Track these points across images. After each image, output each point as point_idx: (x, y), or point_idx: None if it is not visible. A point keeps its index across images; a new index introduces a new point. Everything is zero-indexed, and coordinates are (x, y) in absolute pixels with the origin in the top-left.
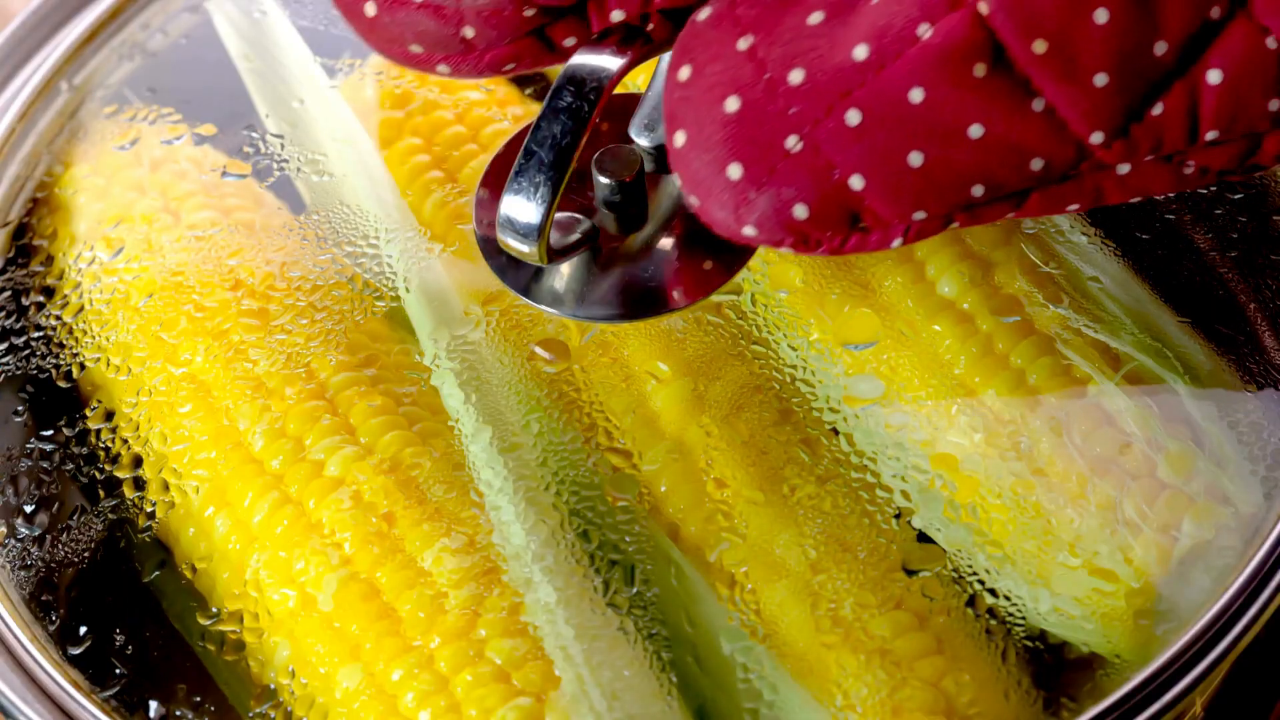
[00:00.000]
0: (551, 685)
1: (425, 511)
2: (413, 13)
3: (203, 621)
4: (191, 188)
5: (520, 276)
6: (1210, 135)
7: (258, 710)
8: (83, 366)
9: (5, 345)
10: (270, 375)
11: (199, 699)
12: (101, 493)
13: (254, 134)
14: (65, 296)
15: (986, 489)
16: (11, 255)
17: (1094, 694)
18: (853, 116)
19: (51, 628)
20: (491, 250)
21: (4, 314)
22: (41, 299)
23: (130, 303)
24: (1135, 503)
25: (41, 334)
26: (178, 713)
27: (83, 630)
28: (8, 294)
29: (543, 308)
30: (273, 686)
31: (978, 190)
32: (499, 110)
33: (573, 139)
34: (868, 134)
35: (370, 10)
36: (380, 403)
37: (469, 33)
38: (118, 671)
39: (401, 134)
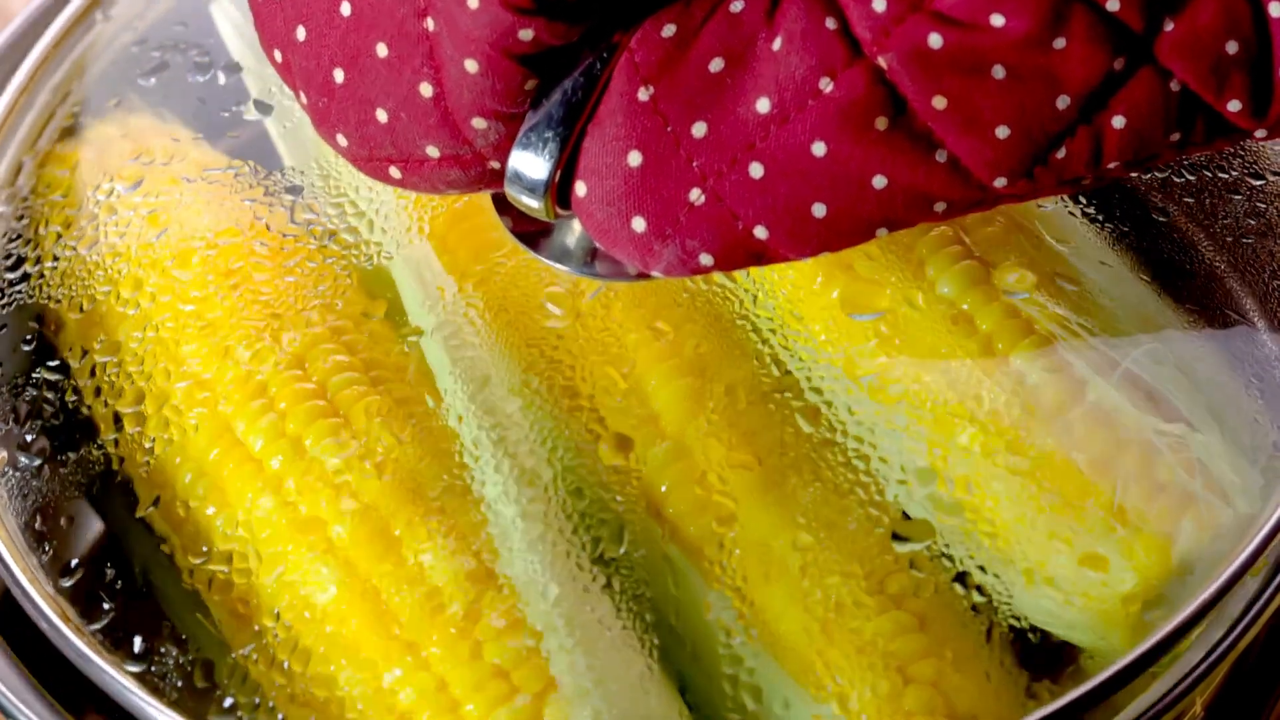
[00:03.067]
0: (550, 685)
1: (424, 511)
2: (435, 168)
3: (193, 560)
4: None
5: (529, 232)
6: (1111, 165)
7: (242, 652)
8: (94, 300)
9: (20, 274)
10: (271, 376)
11: (185, 636)
12: (103, 427)
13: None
14: (81, 228)
15: (985, 489)
16: (35, 185)
17: (1092, 693)
18: (756, 169)
19: (45, 559)
20: (501, 205)
21: (22, 241)
22: (59, 229)
23: (144, 237)
24: (1134, 502)
25: (55, 265)
26: (163, 649)
27: (74, 562)
28: (26, 222)
29: (551, 263)
30: (257, 628)
31: (881, 232)
32: None
33: (583, 95)
34: (771, 187)
35: (395, 174)
36: (380, 402)
37: (495, 165)
38: (106, 606)
39: None
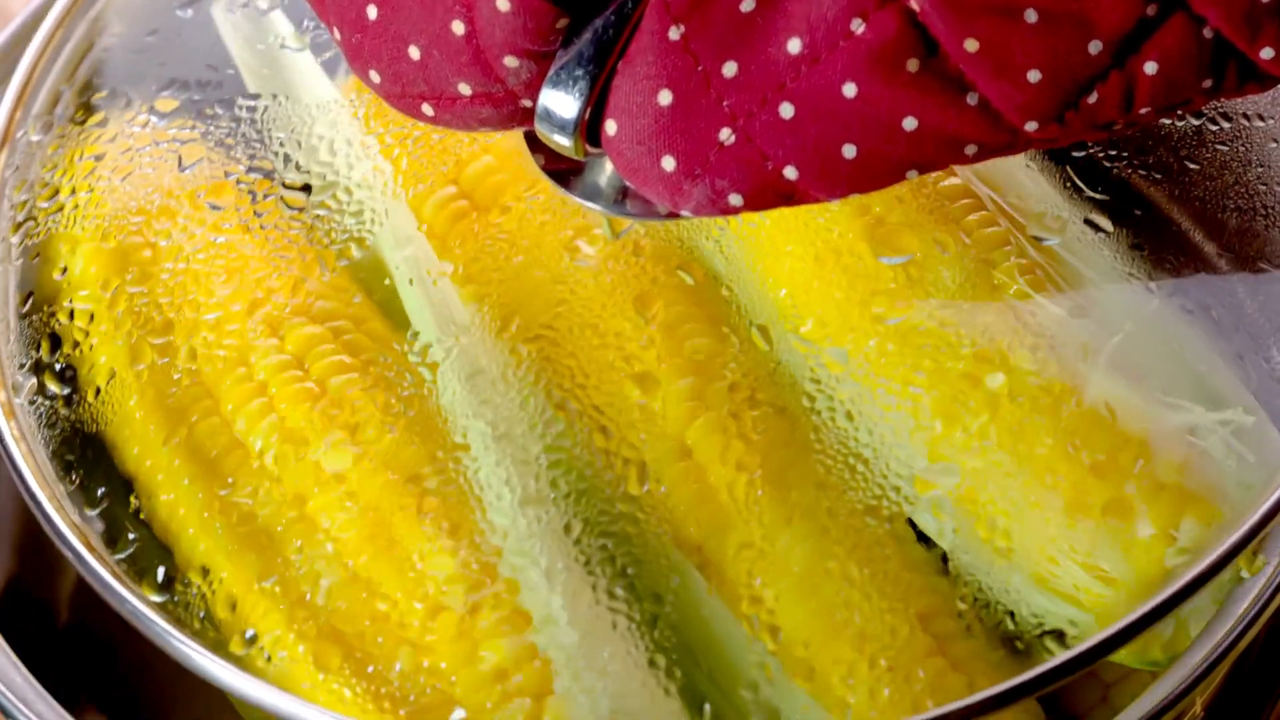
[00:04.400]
0: (549, 687)
1: (424, 510)
2: (467, 106)
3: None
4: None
5: (560, 170)
6: (1143, 111)
7: (264, 584)
8: (125, 232)
9: (54, 203)
10: (271, 375)
11: (207, 568)
12: (131, 358)
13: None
14: (116, 160)
15: (985, 489)
16: (74, 113)
17: (1093, 692)
18: (786, 110)
19: (71, 488)
20: (533, 143)
21: (58, 172)
22: (93, 160)
23: (174, 169)
24: (1134, 502)
25: (89, 195)
26: (186, 580)
27: (100, 491)
28: (62, 151)
29: (582, 202)
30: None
31: (912, 174)
32: None
33: (614, 34)
34: (801, 127)
35: (428, 111)
36: (380, 401)
37: (527, 103)
38: (131, 536)
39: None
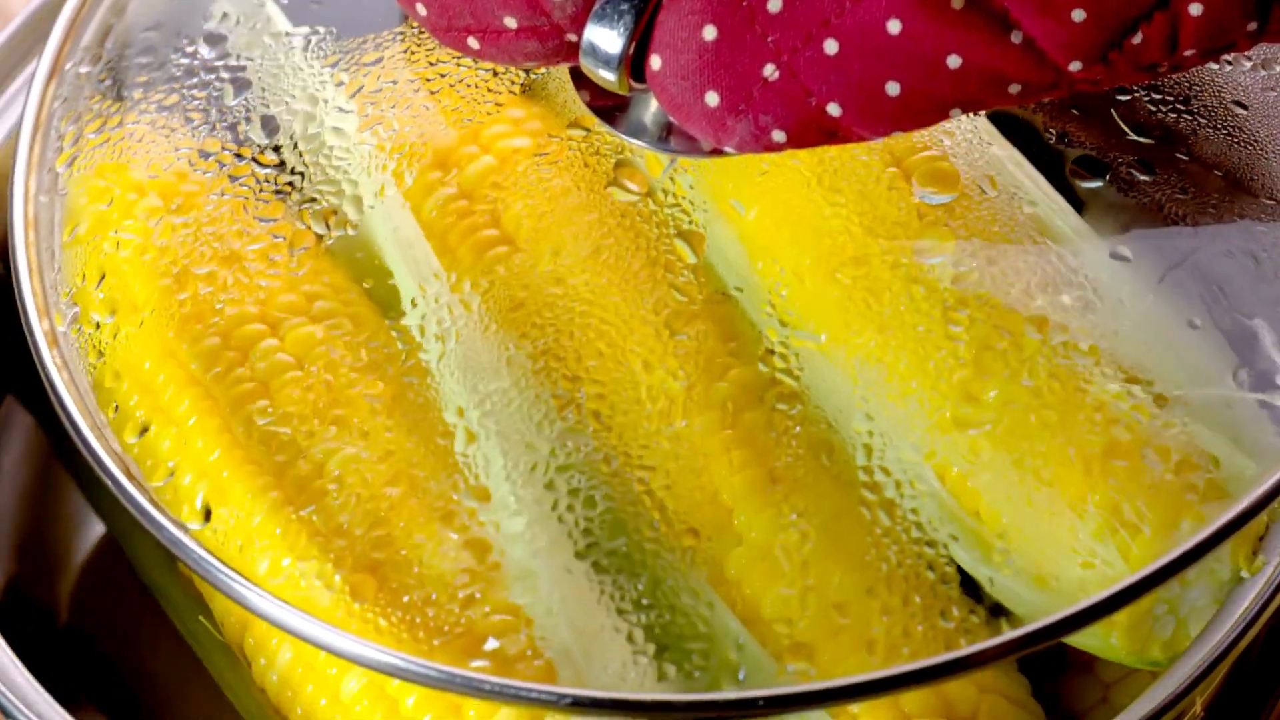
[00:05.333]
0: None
1: (424, 510)
2: (512, 40)
3: None
4: None
5: (605, 106)
6: (1188, 53)
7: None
8: (172, 163)
9: (100, 134)
10: (270, 376)
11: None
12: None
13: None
14: (162, 92)
15: (986, 490)
16: (121, 45)
17: (1093, 692)
18: (830, 46)
19: (113, 416)
20: (578, 79)
21: (105, 103)
22: (140, 91)
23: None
24: (1134, 503)
25: (135, 127)
26: (222, 510)
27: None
28: (110, 84)
29: (626, 138)
30: None
31: (955, 113)
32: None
33: None
34: (845, 63)
35: (474, 44)
36: (379, 400)
37: (572, 37)
38: (169, 465)
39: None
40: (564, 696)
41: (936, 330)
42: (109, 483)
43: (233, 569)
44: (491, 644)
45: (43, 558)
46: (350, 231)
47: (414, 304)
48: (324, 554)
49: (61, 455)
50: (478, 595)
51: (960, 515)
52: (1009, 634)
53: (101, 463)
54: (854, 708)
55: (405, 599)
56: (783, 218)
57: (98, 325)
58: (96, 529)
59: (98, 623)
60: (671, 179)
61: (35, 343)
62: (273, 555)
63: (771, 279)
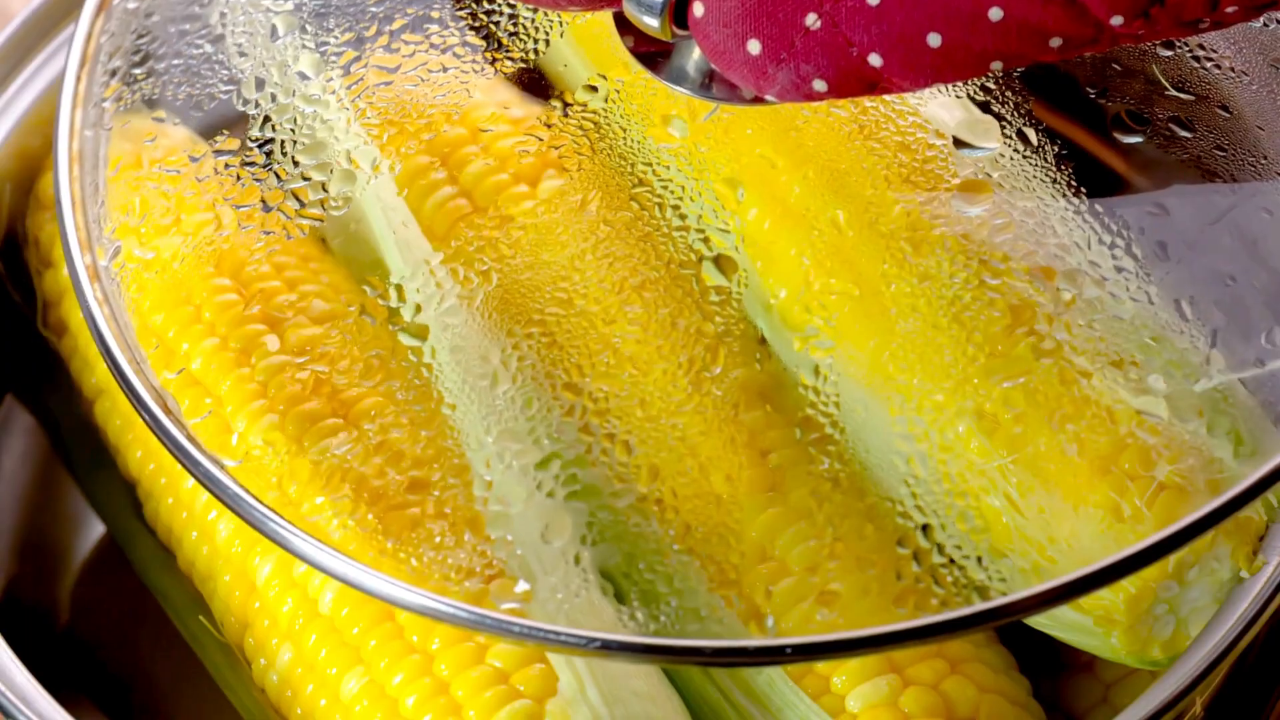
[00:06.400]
0: (551, 688)
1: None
2: None
3: None
4: None
5: (648, 53)
6: (1230, 9)
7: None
8: (213, 98)
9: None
10: (271, 378)
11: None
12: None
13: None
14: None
15: (985, 490)
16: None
17: (1093, 692)
18: None
19: (154, 351)
20: (622, 25)
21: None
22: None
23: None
24: (1134, 503)
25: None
26: (259, 448)
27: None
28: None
29: (669, 84)
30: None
31: (996, 66)
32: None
33: None
34: (887, 15)
35: None
36: (380, 401)
37: None
38: (207, 401)
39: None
40: (592, 640)
41: (939, 325)
42: (146, 419)
43: (268, 507)
44: (522, 586)
45: (43, 558)
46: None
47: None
48: (358, 494)
49: (61, 455)
50: (510, 537)
51: (960, 511)
52: (1020, 593)
53: (140, 399)
54: (854, 707)
55: (438, 539)
56: (782, 215)
57: (141, 261)
58: (96, 529)
59: (98, 623)
60: (666, 166)
61: (77, 278)
62: (308, 495)
63: (773, 275)
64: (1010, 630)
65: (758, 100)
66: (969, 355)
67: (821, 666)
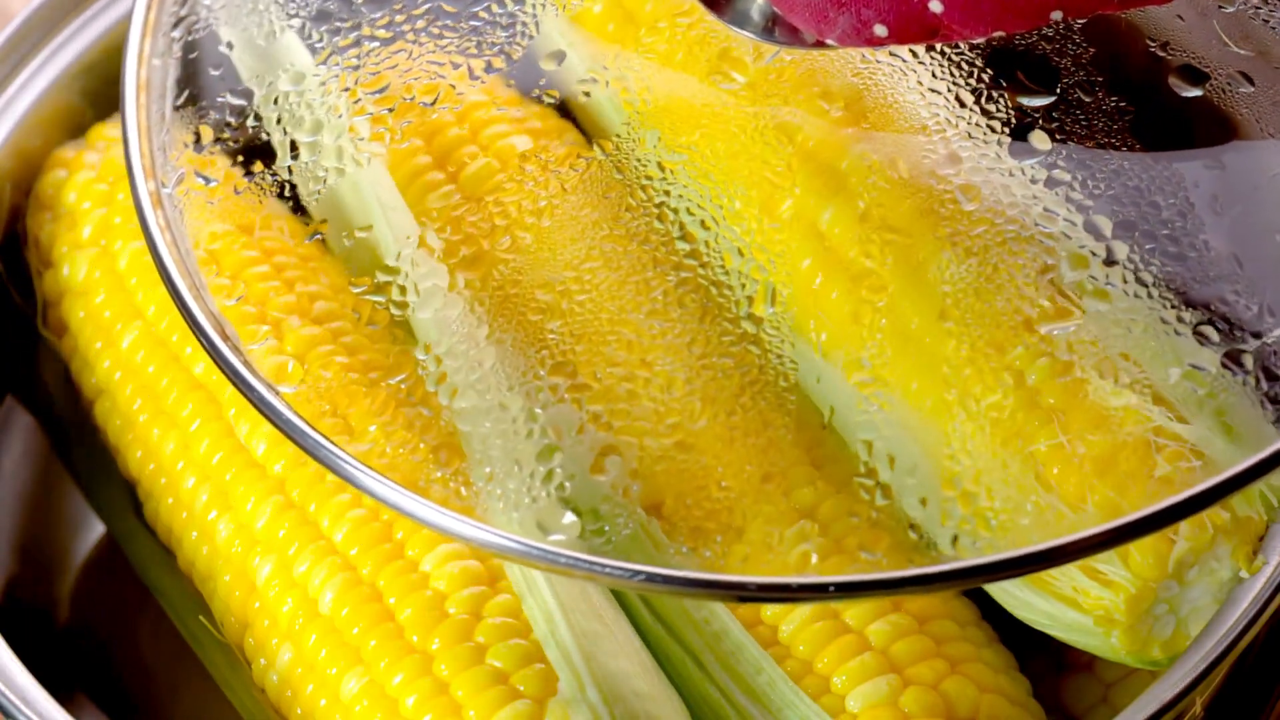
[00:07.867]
0: (551, 688)
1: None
2: None
3: None
4: None
5: None
6: None
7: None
8: (272, 34)
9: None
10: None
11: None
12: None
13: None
14: None
15: (984, 489)
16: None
17: (1093, 692)
18: None
19: (212, 279)
20: None
21: None
22: None
23: None
24: (1132, 503)
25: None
26: (312, 374)
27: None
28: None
29: (731, 27)
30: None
31: (1055, 15)
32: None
33: None
34: None
35: None
36: (379, 401)
37: None
38: (263, 328)
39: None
40: (638, 573)
41: (933, 325)
42: (204, 344)
43: (322, 433)
44: (569, 518)
45: (43, 558)
46: None
47: None
48: (410, 422)
49: (62, 455)
50: (558, 469)
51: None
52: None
53: (198, 324)
54: (854, 707)
55: (486, 469)
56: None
57: (204, 187)
58: (96, 529)
59: (97, 623)
60: (654, 157)
61: (140, 204)
62: (361, 423)
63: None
64: (1010, 630)
65: (820, 44)
66: (966, 356)
67: (821, 667)
